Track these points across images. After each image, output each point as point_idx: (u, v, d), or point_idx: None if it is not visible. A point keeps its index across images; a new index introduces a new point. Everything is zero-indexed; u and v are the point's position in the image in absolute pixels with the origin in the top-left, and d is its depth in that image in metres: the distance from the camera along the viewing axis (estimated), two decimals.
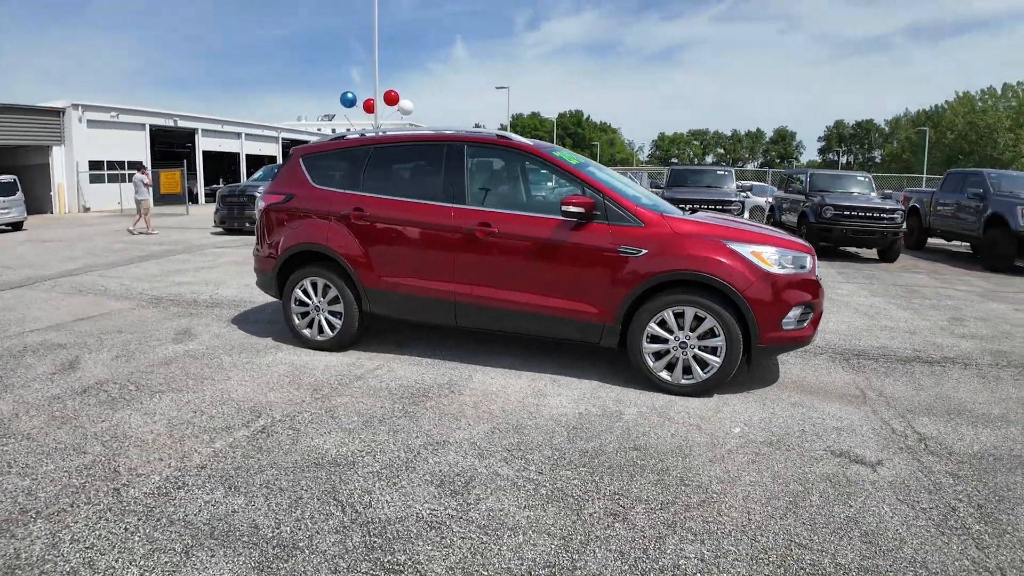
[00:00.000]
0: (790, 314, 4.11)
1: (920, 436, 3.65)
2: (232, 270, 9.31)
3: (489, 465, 3.17)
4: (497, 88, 59.17)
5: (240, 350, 5.09)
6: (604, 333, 4.30)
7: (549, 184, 5.16)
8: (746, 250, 4.10)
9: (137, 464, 3.12)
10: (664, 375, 4.21)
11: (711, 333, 4.09)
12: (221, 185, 31.18)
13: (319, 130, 45.31)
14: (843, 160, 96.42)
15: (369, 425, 3.64)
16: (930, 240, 14.14)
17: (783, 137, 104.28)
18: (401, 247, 4.82)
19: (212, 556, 2.38)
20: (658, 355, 4.21)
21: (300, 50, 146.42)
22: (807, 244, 4.60)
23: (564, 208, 4.22)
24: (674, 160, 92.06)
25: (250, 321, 6.12)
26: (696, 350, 4.13)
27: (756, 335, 4.04)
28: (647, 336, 4.20)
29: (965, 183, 12.32)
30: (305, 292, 5.11)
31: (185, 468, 3.08)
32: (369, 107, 18.61)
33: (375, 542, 2.51)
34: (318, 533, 2.56)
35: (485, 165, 5.02)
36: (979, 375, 4.84)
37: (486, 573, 2.33)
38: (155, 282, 8.24)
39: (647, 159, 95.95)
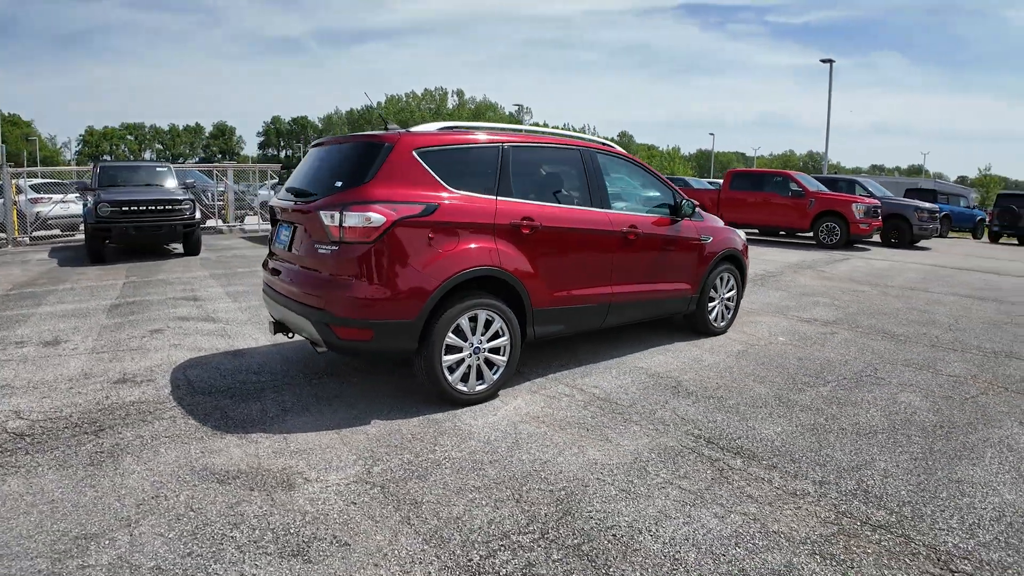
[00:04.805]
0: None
1: (845, 319, 6.85)
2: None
3: (861, 399, 4.22)
4: None
5: (395, 445, 3.45)
6: (690, 303, 5.69)
7: (637, 188, 5.64)
8: (741, 233, 6.54)
9: None
10: (717, 323, 6.04)
11: (731, 287, 6.29)
12: None
13: None
14: (283, 154, 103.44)
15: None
16: None
17: (223, 132, 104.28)
18: (568, 257, 4.65)
19: None
20: (710, 311, 6.20)
21: None
22: None
23: (698, 210, 5.51)
24: (106, 157, 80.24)
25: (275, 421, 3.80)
26: (726, 301, 6.38)
27: (744, 283, 6.57)
28: (709, 297, 6.16)
29: None
30: (458, 332, 4.04)
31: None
32: None
33: None
34: None
35: (609, 171, 5.30)
36: (787, 295, 8.51)
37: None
38: None
39: (75, 157, 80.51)
